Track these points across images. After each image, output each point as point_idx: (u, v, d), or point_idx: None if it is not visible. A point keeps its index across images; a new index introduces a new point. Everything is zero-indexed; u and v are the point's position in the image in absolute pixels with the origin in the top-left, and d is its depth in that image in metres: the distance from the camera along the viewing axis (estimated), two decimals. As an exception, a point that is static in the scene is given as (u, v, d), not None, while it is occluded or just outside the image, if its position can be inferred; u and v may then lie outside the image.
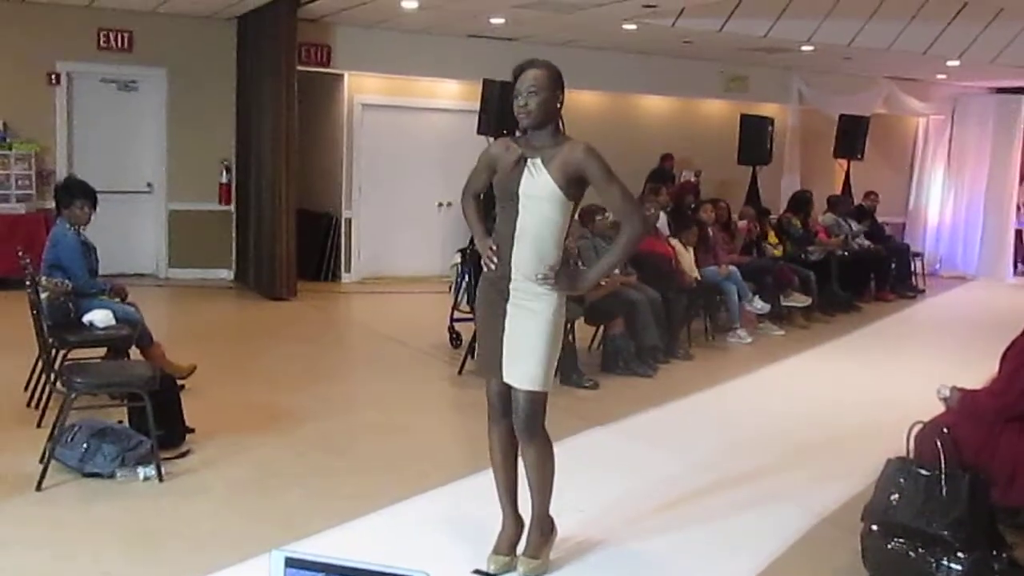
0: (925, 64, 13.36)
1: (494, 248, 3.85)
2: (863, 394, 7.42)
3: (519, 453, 3.97)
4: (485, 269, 3.92)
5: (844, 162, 14.36)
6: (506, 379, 3.84)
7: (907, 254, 13.54)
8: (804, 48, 12.06)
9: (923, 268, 13.95)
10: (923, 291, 13.35)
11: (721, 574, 4.17)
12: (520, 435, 3.88)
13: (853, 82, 14.73)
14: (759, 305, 9.59)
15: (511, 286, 3.81)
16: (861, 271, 11.97)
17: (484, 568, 3.97)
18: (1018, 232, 15.62)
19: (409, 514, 4.65)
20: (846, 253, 11.62)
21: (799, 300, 10.14)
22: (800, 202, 11.59)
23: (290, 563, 1.42)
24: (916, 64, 13.41)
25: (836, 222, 12.14)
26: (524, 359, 3.78)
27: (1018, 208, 15.71)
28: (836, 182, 14.52)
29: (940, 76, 14.86)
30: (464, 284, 8.20)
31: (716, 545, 4.48)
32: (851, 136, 14.09)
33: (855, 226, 12.40)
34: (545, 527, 4.02)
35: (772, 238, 10.88)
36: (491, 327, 3.88)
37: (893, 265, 12.92)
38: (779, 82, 14.43)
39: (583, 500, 4.88)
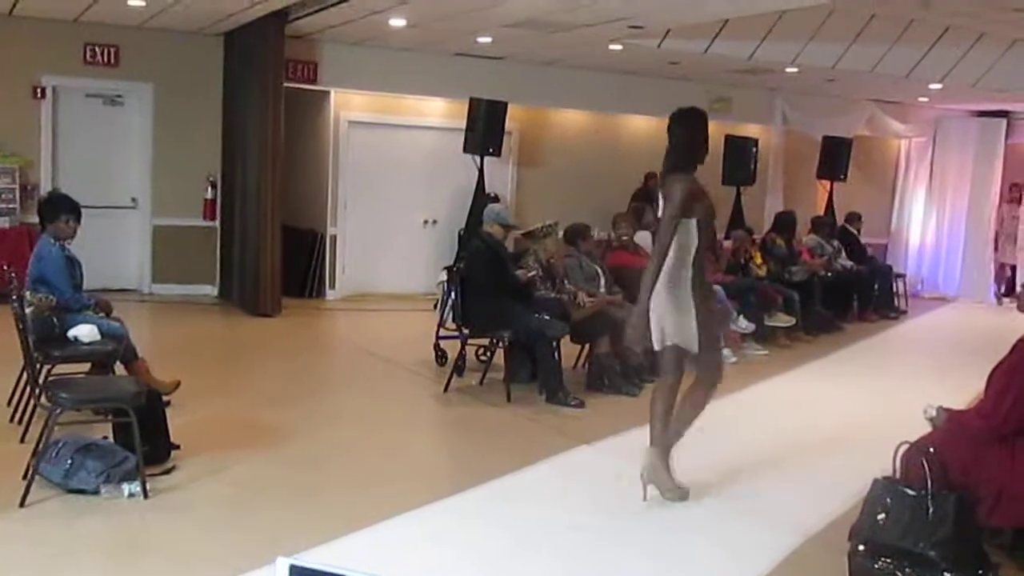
0: (908, 87, 13.47)
1: None
2: (846, 414, 7.44)
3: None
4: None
5: (827, 183, 14.48)
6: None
7: (889, 275, 13.61)
8: (788, 70, 12.15)
9: (905, 289, 14.03)
10: (905, 312, 13.41)
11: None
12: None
13: (836, 104, 14.83)
14: (743, 324, 9.62)
15: None
16: (844, 291, 12.03)
17: None
18: (1002, 265, 15.67)
19: (393, 532, 4.62)
20: (829, 274, 11.68)
21: (782, 320, 10.19)
22: (784, 223, 11.65)
23: (295, 571, 1.42)
24: (899, 87, 13.52)
25: (819, 243, 12.20)
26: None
27: (995, 236, 15.68)
28: (819, 203, 14.62)
29: (922, 99, 14.98)
30: (450, 302, 8.19)
31: (702, 565, 4.48)
32: (834, 157, 14.24)
33: (839, 246, 12.47)
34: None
35: (757, 258, 10.92)
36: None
37: (876, 286, 12.98)
38: (763, 103, 14.51)
39: (575, 518, 4.90)
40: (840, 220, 13.47)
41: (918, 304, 14.50)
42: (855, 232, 13.30)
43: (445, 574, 4.09)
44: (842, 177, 14.30)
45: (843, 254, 12.53)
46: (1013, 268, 15.34)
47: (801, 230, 12.22)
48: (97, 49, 11.04)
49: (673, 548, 4.63)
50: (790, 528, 4.87)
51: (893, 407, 7.10)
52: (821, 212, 13.90)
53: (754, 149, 13.57)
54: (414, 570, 4.19)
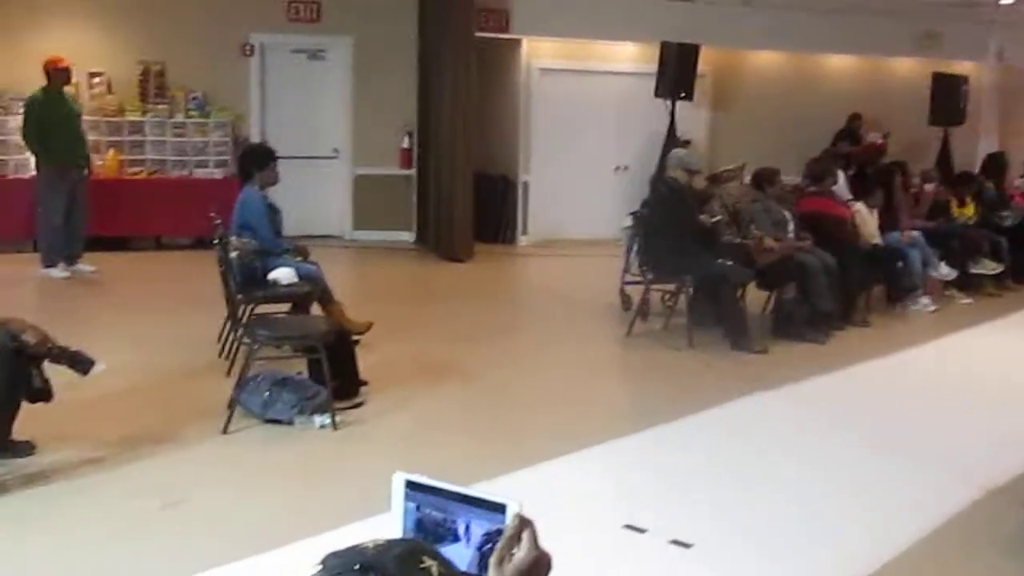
0: None
1: None
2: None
3: None
4: None
5: (1048, 122, 13.59)
6: None
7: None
8: (1004, 1, 11.41)
9: None
10: None
11: (884, 538, 4.12)
12: None
13: (1060, 36, 13.82)
14: (945, 271, 9.23)
15: None
16: (1062, 238, 11.30)
17: (634, 524, 4.07)
18: None
19: (561, 472, 4.77)
20: (1044, 218, 10.99)
21: (989, 267, 9.68)
22: (994, 164, 11.04)
23: (409, 485, 1.57)
24: None
25: (1035, 186, 11.49)
26: None
27: None
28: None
29: None
30: (635, 247, 8.23)
31: (880, 511, 4.43)
32: (1055, 94, 13.32)
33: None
34: None
35: (969, 205, 10.36)
36: None
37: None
38: (976, 38, 13.63)
39: (746, 465, 4.93)
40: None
41: None
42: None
43: (606, 513, 4.20)
44: (1064, 115, 13.38)
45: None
46: None
47: (1015, 172, 11.56)
48: (300, 6, 11.53)
49: (843, 496, 4.59)
50: (969, 481, 4.73)
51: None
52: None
53: (964, 87, 12.86)
54: (574, 509, 4.31)
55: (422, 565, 1.21)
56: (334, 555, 1.20)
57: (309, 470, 4.74)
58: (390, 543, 1.28)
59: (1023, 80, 13.72)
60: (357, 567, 1.15)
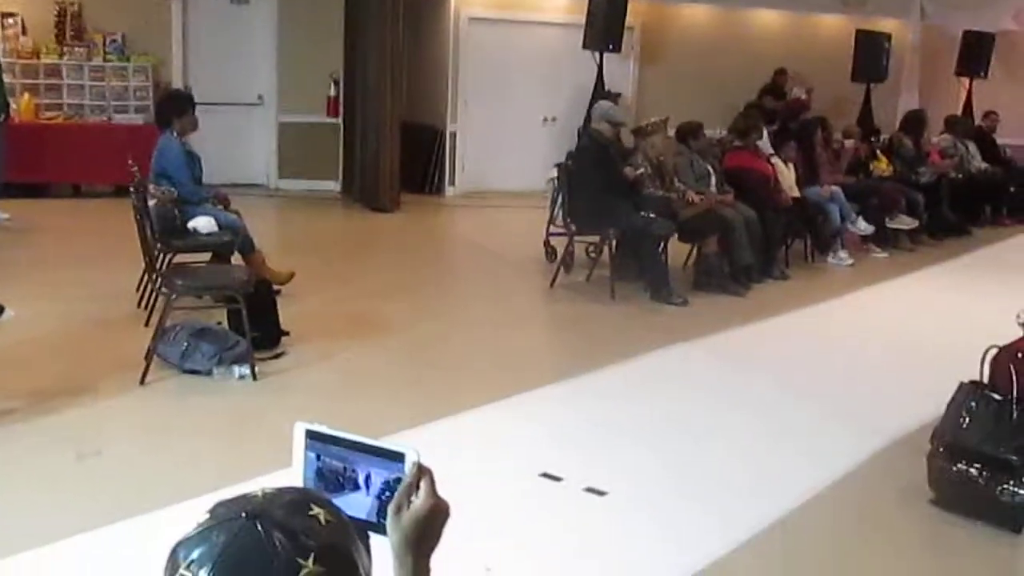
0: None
1: None
2: (960, 318, 7.26)
3: None
4: None
5: (966, 81, 13.86)
6: None
7: (1028, 178, 12.99)
8: (926, -40, 11.58)
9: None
10: (1045, 217, 12.82)
11: (790, 485, 4.23)
12: None
13: (981, -4, 14.09)
14: (862, 227, 9.42)
15: None
16: (977, 195, 11.58)
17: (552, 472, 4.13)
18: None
19: (481, 422, 4.81)
20: (959, 175, 11.25)
21: (905, 222, 9.91)
22: (913, 122, 11.25)
23: (310, 435, 1.57)
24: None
25: (953, 143, 11.72)
26: None
27: None
28: (957, 102, 14.00)
29: (1077, -11, 14.08)
30: (560, 200, 8.26)
31: (788, 459, 4.56)
32: (975, 54, 13.59)
33: (972, 148, 11.96)
34: None
35: (881, 159, 10.58)
36: None
37: (1012, 189, 12.43)
38: (900, -4, 13.89)
39: (664, 414, 5.01)
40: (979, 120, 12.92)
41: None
42: (989, 131, 12.72)
43: (515, 461, 4.26)
44: (983, 74, 13.65)
45: (978, 156, 12.03)
46: None
47: (935, 130, 11.79)
48: (224, -53, 11.28)
49: (765, 443, 4.71)
50: (878, 429, 4.87)
51: (1005, 312, 6.91)
52: (959, 111, 13.35)
53: (887, 45, 13.06)
54: (497, 454, 4.37)
55: (310, 512, 1.21)
56: (222, 504, 1.21)
57: (226, 421, 4.72)
58: (280, 491, 1.28)
59: (944, 39, 13.99)
60: (243, 515, 1.16)
